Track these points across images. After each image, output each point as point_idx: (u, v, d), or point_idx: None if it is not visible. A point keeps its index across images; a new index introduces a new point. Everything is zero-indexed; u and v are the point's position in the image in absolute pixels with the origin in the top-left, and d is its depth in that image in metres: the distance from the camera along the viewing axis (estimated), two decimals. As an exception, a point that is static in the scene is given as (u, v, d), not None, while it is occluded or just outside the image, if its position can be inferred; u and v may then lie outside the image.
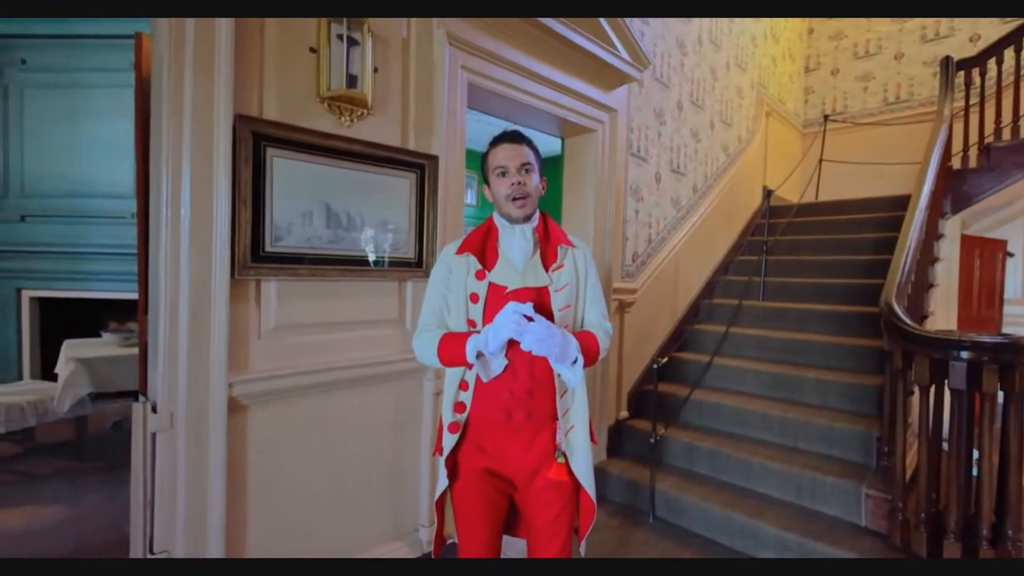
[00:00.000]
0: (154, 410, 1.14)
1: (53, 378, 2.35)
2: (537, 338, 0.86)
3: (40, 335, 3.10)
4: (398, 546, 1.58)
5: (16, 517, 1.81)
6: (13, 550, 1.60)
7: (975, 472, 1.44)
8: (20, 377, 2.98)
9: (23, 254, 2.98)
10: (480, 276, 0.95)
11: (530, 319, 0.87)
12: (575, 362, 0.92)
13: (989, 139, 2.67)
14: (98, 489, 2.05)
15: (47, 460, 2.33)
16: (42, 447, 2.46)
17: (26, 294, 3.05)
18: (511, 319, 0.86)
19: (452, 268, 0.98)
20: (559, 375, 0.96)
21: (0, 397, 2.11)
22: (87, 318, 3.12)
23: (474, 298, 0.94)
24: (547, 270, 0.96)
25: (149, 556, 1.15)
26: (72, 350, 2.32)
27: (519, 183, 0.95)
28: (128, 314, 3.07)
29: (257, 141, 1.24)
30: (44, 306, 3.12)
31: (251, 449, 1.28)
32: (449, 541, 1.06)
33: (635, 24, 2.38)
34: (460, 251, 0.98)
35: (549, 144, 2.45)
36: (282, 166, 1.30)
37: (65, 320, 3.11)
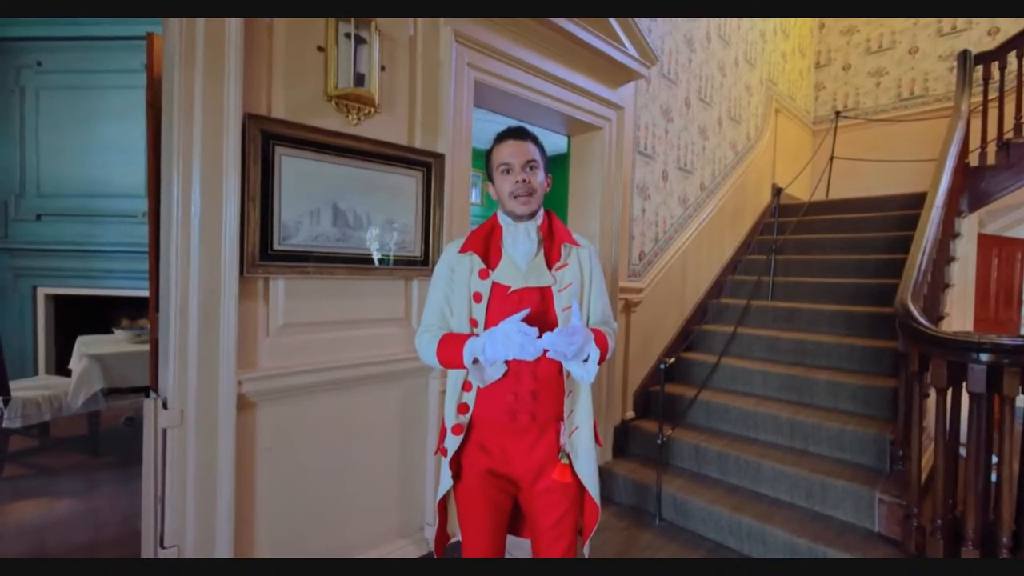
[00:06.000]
0: (164, 406, 1.16)
1: (67, 374, 2.39)
2: (553, 343, 0.83)
3: (55, 332, 3.16)
4: (403, 544, 1.58)
5: (33, 509, 1.85)
6: (31, 542, 1.64)
7: (994, 478, 1.40)
8: (36, 372, 3.05)
9: (39, 252, 3.05)
10: (483, 275, 0.94)
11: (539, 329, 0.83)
12: (587, 359, 0.89)
13: (1008, 135, 2.60)
14: (111, 483, 2.09)
15: (62, 454, 2.38)
16: (57, 441, 2.51)
17: (41, 291, 3.12)
18: (515, 339, 0.82)
19: (455, 267, 0.97)
20: (567, 375, 0.95)
21: (17, 392, 2.16)
22: (100, 315, 3.18)
23: (477, 297, 0.94)
24: (551, 269, 0.95)
25: (160, 550, 1.16)
26: (85, 347, 2.36)
27: (524, 181, 0.93)
28: (140, 311, 3.12)
29: (266, 140, 1.25)
30: (59, 303, 3.18)
31: (259, 446, 1.29)
32: (453, 539, 1.05)
33: (642, 20, 2.36)
34: (463, 250, 0.97)
35: (555, 142, 2.44)
36: (290, 165, 1.30)
37: (79, 317, 3.18)
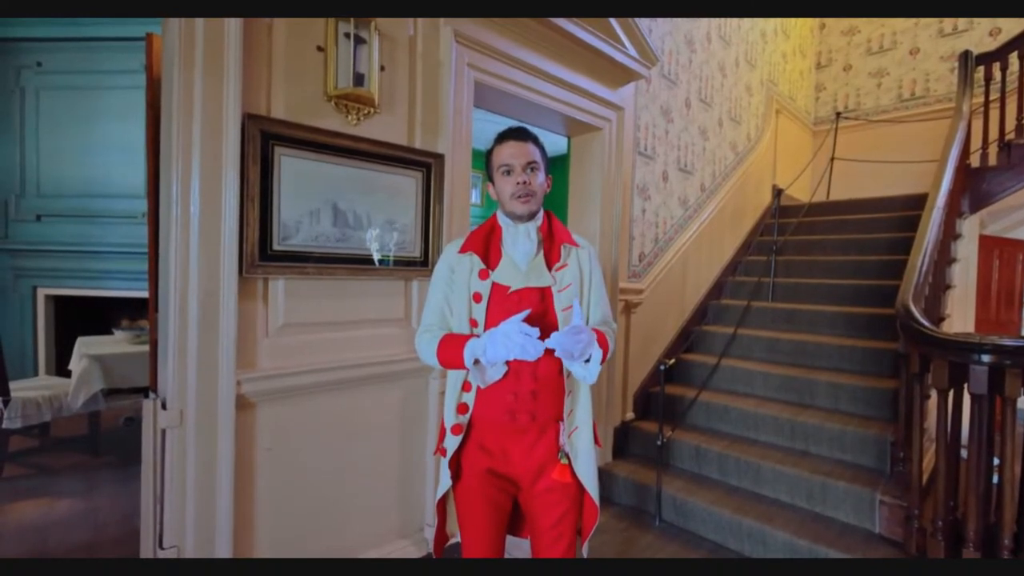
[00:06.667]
0: (164, 407, 1.16)
1: (67, 374, 2.39)
2: (560, 342, 0.83)
3: (55, 332, 3.16)
4: (403, 544, 1.58)
5: (33, 509, 1.85)
6: (31, 542, 1.64)
7: (995, 479, 1.40)
8: (36, 373, 3.05)
9: (39, 253, 3.05)
10: (483, 276, 0.94)
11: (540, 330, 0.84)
12: (589, 359, 0.89)
13: (1010, 136, 2.59)
14: (111, 483, 2.09)
15: (62, 454, 2.38)
16: (57, 441, 2.51)
17: (41, 292, 3.12)
18: (516, 340, 0.82)
19: (455, 267, 0.97)
20: (567, 375, 0.95)
21: (17, 392, 2.16)
22: (100, 316, 3.18)
23: (477, 298, 0.93)
24: (551, 270, 0.95)
25: (159, 551, 1.16)
26: (85, 347, 2.36)
27: (524, 182, 0.93)
28: (140, 312, 3.12)
29: (265, 140, 1.25)
30: (59, 304, 3.18)
31: (259, 446, 1.29)
32: (452, 540, 1.05)
33: (643, 20, 2.36)
34: (463, 250, 0.97)
35: (555, 143, 2.44)
36: (290, 165, 1.30)
37: (79, 318, 3.18)
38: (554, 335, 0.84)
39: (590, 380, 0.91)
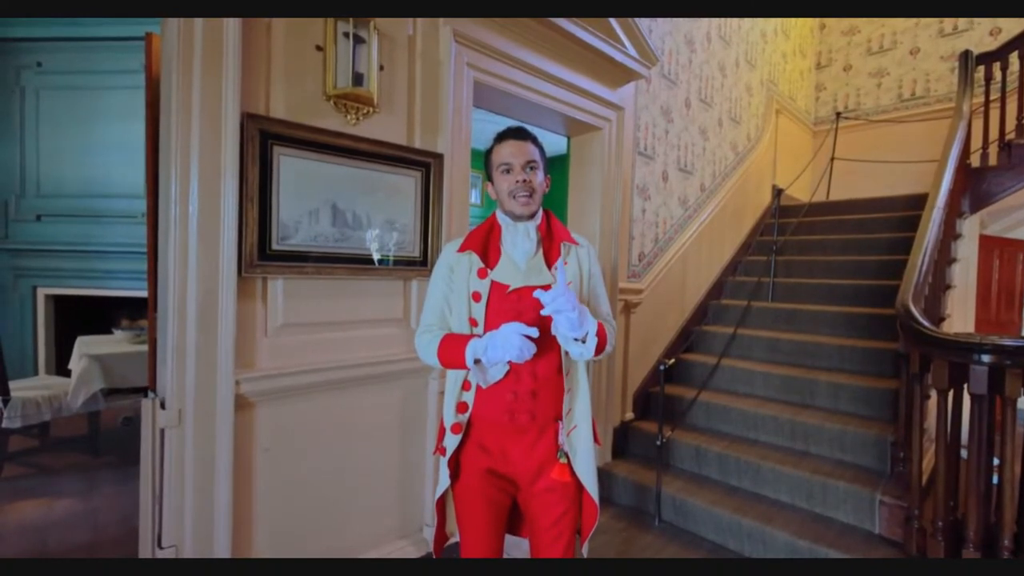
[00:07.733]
0: (163, 406, 1.15)
1: (67, 374, 2.39)
2: (553, 298, 0.82)
3: (55, 332, 3.17)
4: (403, 545, 1.58)
5: (33, 509, 1.85)
6: (31, 542, 1.64)
7: (995, 479, 1.39)
8: (36, 372, 3.05)
9: (39, 252, 3.05)
10: (482, 275, 0.94)
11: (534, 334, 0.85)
12: (584, 340, 0.88)
13: (1010, 136, 2.59)
14: (111, 483, 2.09)
15: (62, 454, 2.38)
16: (57, 441, 2.51)
17: (41, 292, 3.12)
18: (514, 342, 0.83)
19: (454, 267, 0.97)
20: (567, 373, 0.94)
21: (17, 392, 2.16)
22: (100, 315, 3.18)
23: (476, 297, 0.93)
24: (550, 268, 0.95)
25: (158, 551, 1.16)
26: (85, 347, 2.36)
27: (524, 181, 0.94)
28: (140, 312, 3.12)
29: (264, 140, 1.25)
30: (59, 303, 3.18)
31: (258, 446, 1.29)
32: (451, 540, 1.05)
33: (643, 20, 2.36)
34: (462, 249, 0.97)
35: (555, 143, 2.44)
36: (289, 164, 1.30)
37: (79, 317, 3.18)
38: (547, 302, 0.82)
39: (586, 356, 0.90)
